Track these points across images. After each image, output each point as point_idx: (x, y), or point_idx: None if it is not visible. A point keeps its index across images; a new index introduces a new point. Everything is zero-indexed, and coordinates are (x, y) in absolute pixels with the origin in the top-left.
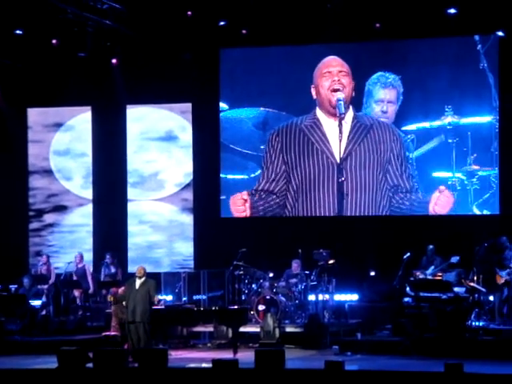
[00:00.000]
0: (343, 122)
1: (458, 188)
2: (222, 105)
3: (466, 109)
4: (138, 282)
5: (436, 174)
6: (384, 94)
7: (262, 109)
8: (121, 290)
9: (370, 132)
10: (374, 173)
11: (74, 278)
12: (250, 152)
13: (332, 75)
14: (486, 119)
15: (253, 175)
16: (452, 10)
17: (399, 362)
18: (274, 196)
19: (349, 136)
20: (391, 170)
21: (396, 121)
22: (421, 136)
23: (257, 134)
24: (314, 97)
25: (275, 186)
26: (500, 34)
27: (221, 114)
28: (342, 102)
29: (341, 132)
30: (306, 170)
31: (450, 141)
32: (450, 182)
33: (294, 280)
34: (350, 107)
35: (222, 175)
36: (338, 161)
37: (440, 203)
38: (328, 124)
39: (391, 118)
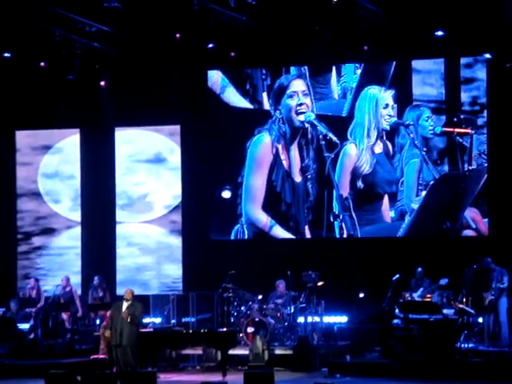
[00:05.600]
0: None
1: None
2: None
3: None
4: (124, 305)
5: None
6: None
7: None
8: (108, 313)
9: None
10: None
11: (62, 301)
12: None
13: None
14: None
15: None
16: (440, 33)
17: None
18: None
19: None
20: None
21: None
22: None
23: None
24: None
25: None
26: (487, 56)
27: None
28: None
29: None
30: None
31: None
32: None
33: (279, 300)
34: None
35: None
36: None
37: None
38: None
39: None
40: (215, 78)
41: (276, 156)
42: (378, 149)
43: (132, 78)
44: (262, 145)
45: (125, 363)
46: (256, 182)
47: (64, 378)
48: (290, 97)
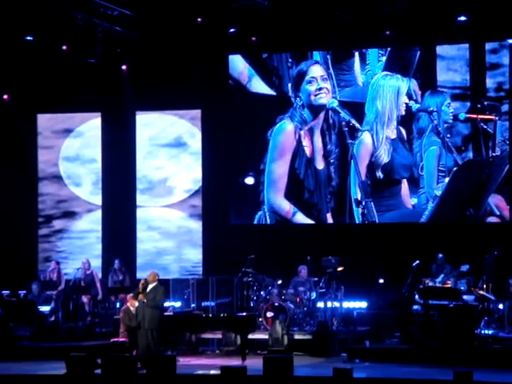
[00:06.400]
0: None
1: None
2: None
3: None
4: (148, 288)
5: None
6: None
7: None
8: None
9: None
10: None
11: (83, 284)
12: None
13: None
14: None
15: None
16: (462, 18)
17: (408, 370)
18: None
19: None
20: None
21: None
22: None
23: None
24: None
25: None
26: (510, 41)
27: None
28: None
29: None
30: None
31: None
32: None
33: (302, 288)
34: None
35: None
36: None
37: None
38: None
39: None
40: (241, 67)
41: (298, 143)
42: (392, 135)
43: (153, 62)
44: (285, 132)
45: (146, 346)
46: (278, 169)
47: (84, 361)
48: (309, 82)
